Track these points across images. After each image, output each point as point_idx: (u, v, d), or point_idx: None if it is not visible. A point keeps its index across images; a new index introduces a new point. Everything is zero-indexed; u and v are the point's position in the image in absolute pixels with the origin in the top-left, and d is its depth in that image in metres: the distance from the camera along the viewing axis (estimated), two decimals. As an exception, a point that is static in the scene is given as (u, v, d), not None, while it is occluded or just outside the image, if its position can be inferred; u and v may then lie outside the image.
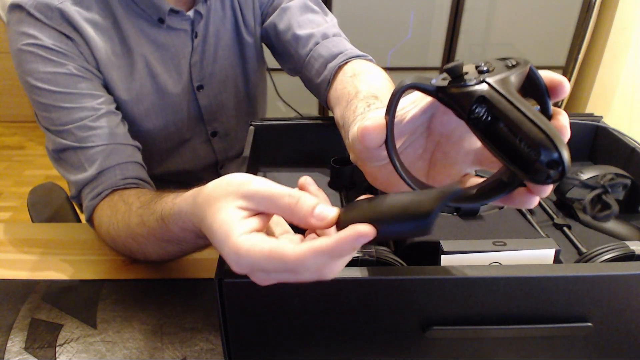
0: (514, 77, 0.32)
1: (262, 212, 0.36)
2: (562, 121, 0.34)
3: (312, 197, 0.35)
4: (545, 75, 0.35)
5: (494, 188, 0.34)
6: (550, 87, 0.34)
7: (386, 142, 0.36)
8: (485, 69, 0.32)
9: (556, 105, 0.35)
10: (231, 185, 0.36)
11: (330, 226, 0.34)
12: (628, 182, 0.28)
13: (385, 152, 0.36)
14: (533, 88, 0.34)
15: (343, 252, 0.31)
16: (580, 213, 0.60)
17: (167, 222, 0.49)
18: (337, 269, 0.33)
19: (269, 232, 0.40)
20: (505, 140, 0.30)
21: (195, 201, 0.40)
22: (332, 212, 0.34)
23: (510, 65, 0.33)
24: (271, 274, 0.33)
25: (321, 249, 0.31)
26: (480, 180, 0.37)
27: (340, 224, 0.33)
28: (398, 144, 0.38)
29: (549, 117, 0.34)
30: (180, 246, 0.53)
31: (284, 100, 0.96)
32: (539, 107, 0.35)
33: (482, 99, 0.31)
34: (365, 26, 1.99)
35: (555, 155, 0.28)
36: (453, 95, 0.32)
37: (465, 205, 0.35)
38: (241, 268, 0.34)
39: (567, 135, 0.34)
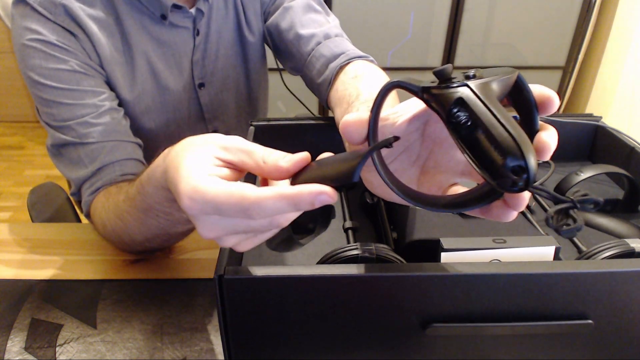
0: (497, 84, 0.32)
1: (236, 166, 0.37)
2: (546, 137, 0.33)
3: (277, 152, 0.37)
4: (535, 89, 0.34)
5: (472, 198, 0.34)
6: (539, 102, 0.34)
7: (367, 138, 0.36)
8: (471, 74, 0.33)
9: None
10: (212, 137, 0.38)
11: (294, 173, 0.36)
12: (601, 200, 0.28)
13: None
14: (522, 100, 0.34)
15: (302, 203, 0.32)
16: (581, 212, 0.60)
17: (144, 184, 0.49)
18: (287, 221, 0.35)
19: None
20: (478, 145, 0.30)
21: (169, 152, 0.41)
22: (296, 158, 0.36)
23: (498, 74, 0.33)
24: (223, 218, 0.33)
25: (284, 194, 0.32)
26: (464, 189, 0.37)
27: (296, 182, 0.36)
28: (390, 149, 0.38)
29: (536, 130, 0.34)
30: (158, 218, 0.53)
31: (294, 93, 0.96)
32: (518, 116, 0.35)
33: (460, 101, 0.31)
34: (365, 26, 1.99)
35: (521, 162, 0.28)
36: (435, 96, 0.32)
37: (443, 211, 0.35)
38: (193, 204, 0.33)
39: (549, 151, 0.33)
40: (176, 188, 0.35)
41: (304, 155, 0.36)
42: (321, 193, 0.32)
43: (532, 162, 0.28)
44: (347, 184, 0.34)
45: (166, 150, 0.43)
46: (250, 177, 0.50)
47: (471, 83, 0.31)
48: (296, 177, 0.36)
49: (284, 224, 0.35)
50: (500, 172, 0.29)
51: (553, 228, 0.32)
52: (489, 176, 0.30)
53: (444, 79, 0.32)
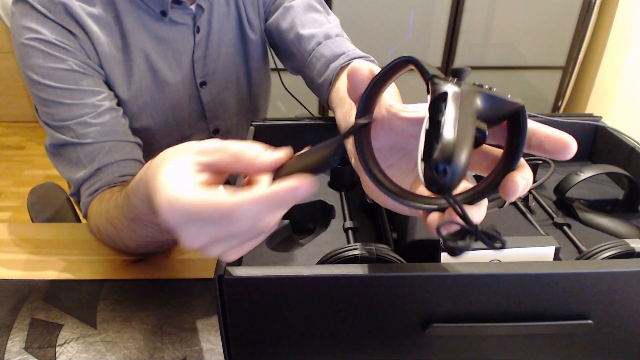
0: (482, 99, 0.32)
1: (216, 167, 0.35)
2: (518, 177, 0.32)
3: (256, 145, 0.35)
4: (551, 132, 0.33)
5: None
6: (555, 146, 0.33)
7: (363, 94, 0.37)
8: (478, 84, 0.33)
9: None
10: (189, 144, 0.37)
11: (274, 167, 0.35)
12: (503, 243, 0.28)
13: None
14: (515, 134, 0.33)
15: (281, 201, 0.31)
16: (581, 212, 0.60)
17: (130, 195, 0.49)
18: (272, 223, 0.32)
19: None
20: (431, 137, 0.31)
21: (150, 164, 0.40)
22: (277, 154, 0.35)
23: (505, 95, 0.33)
24: (204, 226, 0.32)
25: (261, 196, 0.31)
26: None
27: (277, 177, 0.35)
28: (387, 149, 0.39)
29: (511, 168, 0.33)
30: (147, 228, 0.53)
31: (292, 94, 0.96)
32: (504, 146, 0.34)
33: (443, 95, 0.32)
34: (365, 26, 1.99)
35: (446, 165, 0.29)
36: (433, 85, 0.33)
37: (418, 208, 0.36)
38: (170, 216, 0.32)
39: (515, 193, 0.32)
40: (155, 200, 0.34)
41: (284, 151, 0.35)
42: (298, 187, 0.31)
43: (457, 169, 0.29)
44: (325, 169, 0.35)
45: (148, 162, 0.42)
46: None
47: (464, 86, 0.32)
48: (278, 171, 0.35)
49: (269, 227, 0.33)
50: (428, 165, 0.30)
51: (445, 247, 0.33)
52: (421, 168, 0.31)
53: (454, 76, 0.33)
